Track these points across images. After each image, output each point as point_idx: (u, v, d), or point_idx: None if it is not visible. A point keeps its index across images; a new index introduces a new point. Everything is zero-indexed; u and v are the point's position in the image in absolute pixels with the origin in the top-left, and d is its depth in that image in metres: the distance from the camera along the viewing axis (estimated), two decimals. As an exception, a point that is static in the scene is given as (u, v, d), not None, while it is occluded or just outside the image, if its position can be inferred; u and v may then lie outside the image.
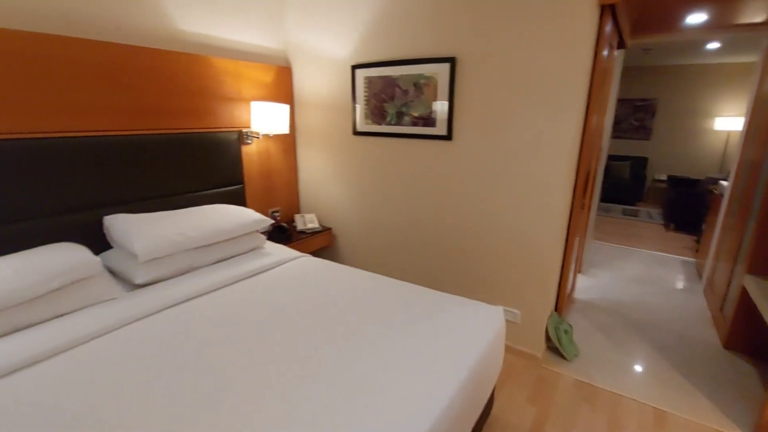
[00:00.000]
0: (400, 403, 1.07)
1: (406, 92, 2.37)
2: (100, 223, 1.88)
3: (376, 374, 1.19)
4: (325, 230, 2.89)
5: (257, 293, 1.72)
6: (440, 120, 2.28)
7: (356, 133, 2.65)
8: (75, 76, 1.74)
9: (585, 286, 3.28)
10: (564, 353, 2.25)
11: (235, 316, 1.53)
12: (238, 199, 2.55)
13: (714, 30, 2.85)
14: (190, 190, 2.27)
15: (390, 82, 2.41)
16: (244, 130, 2.56)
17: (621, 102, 6.65)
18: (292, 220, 3.03)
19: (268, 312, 1.56)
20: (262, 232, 2.52)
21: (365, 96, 2.54)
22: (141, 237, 1.72)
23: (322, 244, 2.90)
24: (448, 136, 2.26)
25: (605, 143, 3.27)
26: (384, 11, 2.34)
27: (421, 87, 2.30)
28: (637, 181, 6.37)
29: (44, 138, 1.68)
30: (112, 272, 1.80)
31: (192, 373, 1.19)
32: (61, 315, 1.48)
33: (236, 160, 2.51)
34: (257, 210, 2.71)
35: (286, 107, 2.57)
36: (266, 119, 2.46)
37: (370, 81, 2.49)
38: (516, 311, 2.26)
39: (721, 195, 3.28)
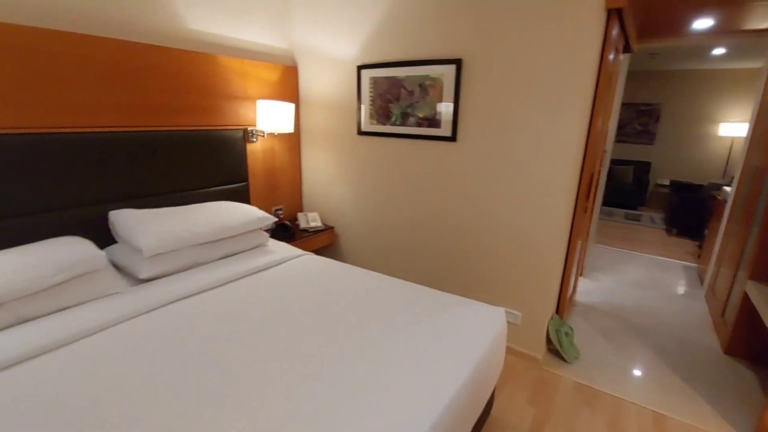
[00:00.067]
0: (402, 403, 1.07)
1: (411, 93, 2.37)
2: (106, 218, 1.89)
3: (378, 373, 1.19)
4: (327, 229, 2.90)
5: (260, 290, 1.73)
6: (445, 121, 2.28)
7: (361, 133, 2.66)
8: (83, 73, 1.75)
9: (587, 289, 3.28)
10: (564, 355, 2.25)
11: (239, 312, 1.53)
12: (242, 197, 2.56)
13: (720, 35, 2.85)
14: (194, 187, 2.28)
15: (395, 83, 2.41)
16: (250, 128, 2.57)
17: (625, 106, 6.65)
18: (295, 219, 3.04)
19: (271, 309, 1.56)
20: (265, 230, 2.54)
21: (370, 96, 2.55)
22: (146, 232, 1.73)
23: (324, 242, 2.91)
24: (452, 137, 2.27)
25: (609, 147, 3.27)
26: (390, 12, 2.35)
27: (427, 88, 2.30)
28: (640, 186, 6.36)
29: (51, 134, 1.69)
30: (116, 267, 1.81)
31: (196, 368, 1.19)
32: (65, 308, 1.49)
33: (241, 158, 2.52)
34: (261, 208, 2.72)
35: (292, 106, 2.57)
36: (272, 118, 2.47)
37: (375, 81, 2.50)
38: (517, 313, 2.26)
39: (724, 201, 3.28)
